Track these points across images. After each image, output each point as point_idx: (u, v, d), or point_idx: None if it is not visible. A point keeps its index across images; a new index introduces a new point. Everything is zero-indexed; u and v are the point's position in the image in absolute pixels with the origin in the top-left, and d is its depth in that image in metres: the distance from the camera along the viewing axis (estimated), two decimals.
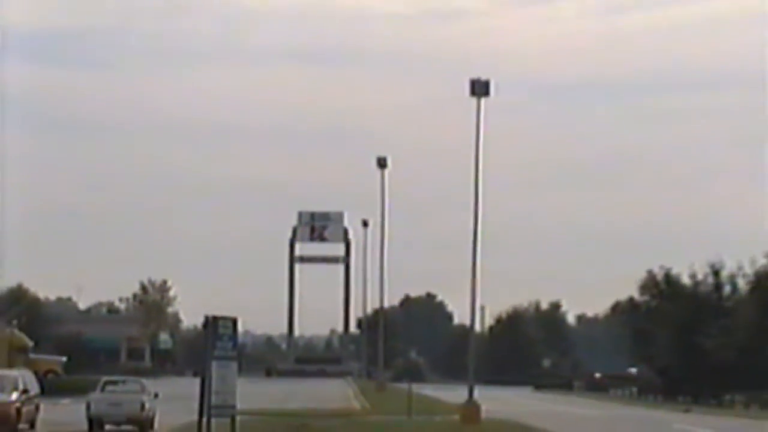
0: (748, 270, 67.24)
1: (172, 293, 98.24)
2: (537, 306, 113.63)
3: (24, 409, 27.91)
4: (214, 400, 19.72)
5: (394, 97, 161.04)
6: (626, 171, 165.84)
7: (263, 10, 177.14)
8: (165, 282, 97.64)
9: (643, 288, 73.38)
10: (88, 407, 28.78)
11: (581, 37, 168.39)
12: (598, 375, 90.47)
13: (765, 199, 78.34)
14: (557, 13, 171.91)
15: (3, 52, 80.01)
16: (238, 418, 21.28)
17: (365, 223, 72.58)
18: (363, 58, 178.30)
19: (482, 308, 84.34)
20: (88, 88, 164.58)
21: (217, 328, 20.35)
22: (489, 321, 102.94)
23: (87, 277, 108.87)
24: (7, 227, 70.03)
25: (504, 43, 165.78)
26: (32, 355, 51.59)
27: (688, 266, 70.28)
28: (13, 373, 31.77)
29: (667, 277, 72.00)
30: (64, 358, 57.48)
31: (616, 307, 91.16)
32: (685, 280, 71.22)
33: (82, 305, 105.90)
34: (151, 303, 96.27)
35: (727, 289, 69.52)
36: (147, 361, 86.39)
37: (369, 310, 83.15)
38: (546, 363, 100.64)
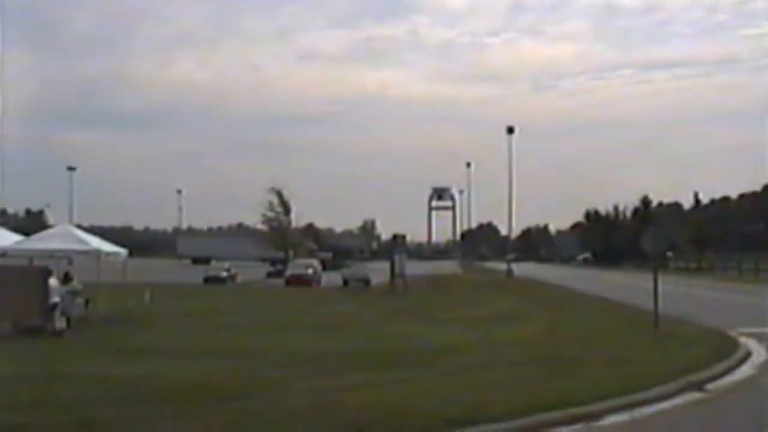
0: None
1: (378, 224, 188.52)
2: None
3: (315, 277, 62.09)
4: (397, 270, 55.65)
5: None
6: None
7: None
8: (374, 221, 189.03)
9: None
10: (342, 275, 62.03)
11: None
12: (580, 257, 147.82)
13: None
14: None
15: None
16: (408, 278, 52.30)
17: (461, 191, 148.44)
18: None
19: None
20: None
21: (397, 239, 63.63)
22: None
23: None
24: None
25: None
26: (318, 253, 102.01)
27: None
28: (309, 261, 71.35)
29: None
30: (331, 254, 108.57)
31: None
32: None
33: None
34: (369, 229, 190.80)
35: None
36: (367, 255, 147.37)
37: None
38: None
